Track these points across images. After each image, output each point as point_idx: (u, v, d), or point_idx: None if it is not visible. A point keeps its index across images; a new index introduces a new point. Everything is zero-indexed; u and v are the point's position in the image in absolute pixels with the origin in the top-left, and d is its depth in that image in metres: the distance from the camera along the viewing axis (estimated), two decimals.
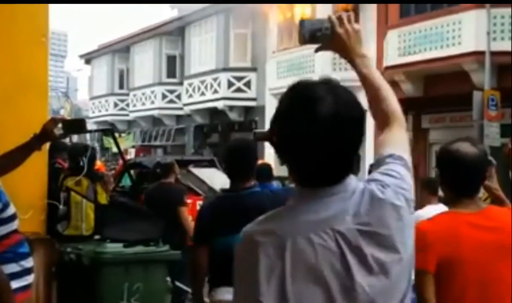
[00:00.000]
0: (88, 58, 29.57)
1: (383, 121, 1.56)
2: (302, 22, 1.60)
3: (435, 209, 4.95)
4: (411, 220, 1.40)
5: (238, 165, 3.13)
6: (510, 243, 2.29)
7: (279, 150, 1.39)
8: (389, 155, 1.46)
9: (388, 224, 1.33)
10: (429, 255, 2.21)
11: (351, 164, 1.38)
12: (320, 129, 1.31)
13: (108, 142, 23.07)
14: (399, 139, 1.52)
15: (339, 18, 1.58)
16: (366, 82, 1.58)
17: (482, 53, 11.61)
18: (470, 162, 2.29)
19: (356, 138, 1.37)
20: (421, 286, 2.23)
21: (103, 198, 4.87)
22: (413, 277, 1.59)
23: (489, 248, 2.26)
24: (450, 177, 2.37)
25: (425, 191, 5.07)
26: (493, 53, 11.45)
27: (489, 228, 2.28)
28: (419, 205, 5.19)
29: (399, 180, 1.40)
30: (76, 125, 3.04)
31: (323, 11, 16.00)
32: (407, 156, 1.47)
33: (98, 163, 8.07)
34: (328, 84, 1.38)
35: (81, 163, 4.64)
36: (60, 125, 2.90)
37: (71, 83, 45.21)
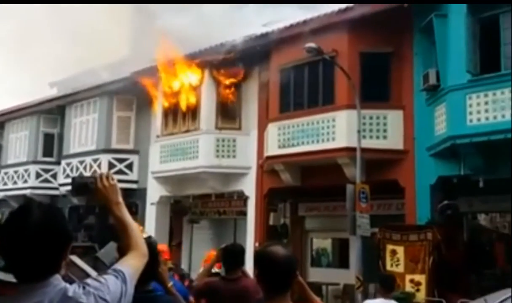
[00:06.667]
0: None
1: (127, 249, 2.11)
2: (73, 178, 2.21)
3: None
4: None
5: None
6: None
7: (2, 254, 1.82)
8: (113, 269, 1.97)
9: None
10: None
11: (56, 266, 1.82)
12: (27, 237, 1.75)
13: None
14: (130, 260, 2.06)
15: (100, 177, 2.15)
16: (119, 222, 2.14)
17: (353, 149, 12.64)
18: (282, 263, 2.55)
19: (55, 248, 1.81)
20: None
21: None
22: None
23: None
24: (265, 275, 2.59)
25: (382, 287, 5.78)
26: (363, 150, 12.51)
27: None
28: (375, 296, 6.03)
29: (102, 285, 1.87)
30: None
31: (208, 100, 16.56)
32: (127, 271, 1.97)
33: None
34: (41, 205, 1.85)
35: None
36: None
37: None
